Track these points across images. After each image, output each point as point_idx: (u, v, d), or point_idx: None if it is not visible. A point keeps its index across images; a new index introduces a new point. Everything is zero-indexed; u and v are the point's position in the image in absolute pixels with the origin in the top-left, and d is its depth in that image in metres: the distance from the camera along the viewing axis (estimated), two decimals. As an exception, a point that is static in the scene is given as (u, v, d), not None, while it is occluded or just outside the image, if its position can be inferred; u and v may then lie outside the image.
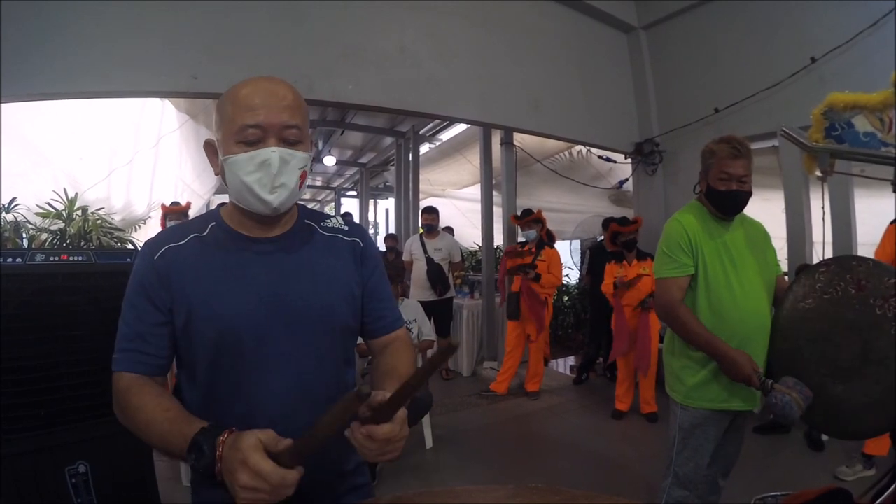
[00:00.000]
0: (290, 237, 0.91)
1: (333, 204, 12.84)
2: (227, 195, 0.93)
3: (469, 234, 8.09)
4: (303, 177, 0.86)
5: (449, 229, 6.46)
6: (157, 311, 0.84)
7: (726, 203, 1.71)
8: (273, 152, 0.81)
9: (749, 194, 1.70)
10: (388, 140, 7.65)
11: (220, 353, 0.84)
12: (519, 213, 4.67)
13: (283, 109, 0.83)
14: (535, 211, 4.56)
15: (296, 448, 0.67)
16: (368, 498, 0.99)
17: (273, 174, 0.82)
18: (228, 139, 0.83)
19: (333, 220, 0.99)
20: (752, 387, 1.57)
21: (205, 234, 0.89)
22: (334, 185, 12.25)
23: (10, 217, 3.76)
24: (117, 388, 0.83)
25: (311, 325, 0.87)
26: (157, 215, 4.36)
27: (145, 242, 0.90)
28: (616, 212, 6.04)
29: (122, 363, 0.85)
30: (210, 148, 0.90)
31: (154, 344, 0.84)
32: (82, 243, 3.84)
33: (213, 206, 1.03)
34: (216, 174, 0.89)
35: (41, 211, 3.95)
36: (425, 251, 4.84)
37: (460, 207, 8.59)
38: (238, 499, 0.65)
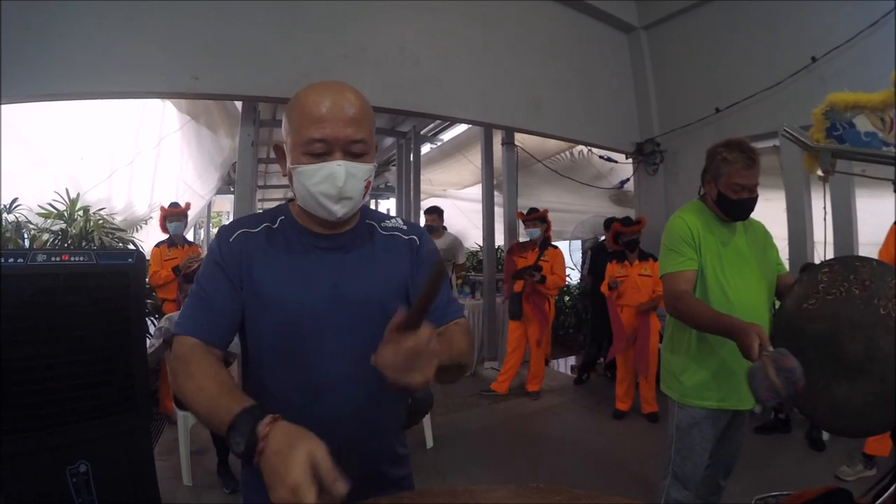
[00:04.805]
0: (352, 236, 0.96)
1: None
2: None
3: (470, 234, 8.08)
4: (367, 186, 0.90)
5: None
6: (228, 282, 0.89)
7: (738, 211, 1.71)
8: (339, 166, 0.84)
9: (757, 199, 1.71)
10: (389, 140, 7.65)
11: (283, 340, 0.88)
12: (525, 212, 4.68)
13: (350, 123, 0.84)
14: (542, 210, 4.56)
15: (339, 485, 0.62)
16: (410, 490, 1.01)
17: (339, 187, 0.85)
18: (296, 149, 0.86)
19: (393, 220, 1.03)
20: (751, 358, 1.37)
21: (275, 226, 0.94)
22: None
23: (11, 217, 3.76)
24: (176, 352, 0.85)
25: (369, 319, 0.89)
26: (158, 216, 4.36)
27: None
28: (617, 212, 6.04)
29: (186, 326, 0.87)
30: (279, 150, 0.93)
31: (221, 313, 0.88)
32: (84, 244, 3.84)
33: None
34: (283, 175, 0.92)
35: (42, 211, 3.94)
36: (428, 251, 4.83)
37: (461, 208, 8.59)
38: (273, 500, 0.62)
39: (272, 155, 7.52)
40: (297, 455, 0.61)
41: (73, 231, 3.90)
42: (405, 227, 1.02)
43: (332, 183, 0.84)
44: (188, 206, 4.24)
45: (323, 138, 0.83)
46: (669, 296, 1.69)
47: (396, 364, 0.68)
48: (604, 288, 4.01)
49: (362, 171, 0.87)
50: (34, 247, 3.73)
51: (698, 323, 1.63)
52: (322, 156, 0.84)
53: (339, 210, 0.87)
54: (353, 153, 0.86)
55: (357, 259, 0.94)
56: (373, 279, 0.93)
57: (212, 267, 0.90)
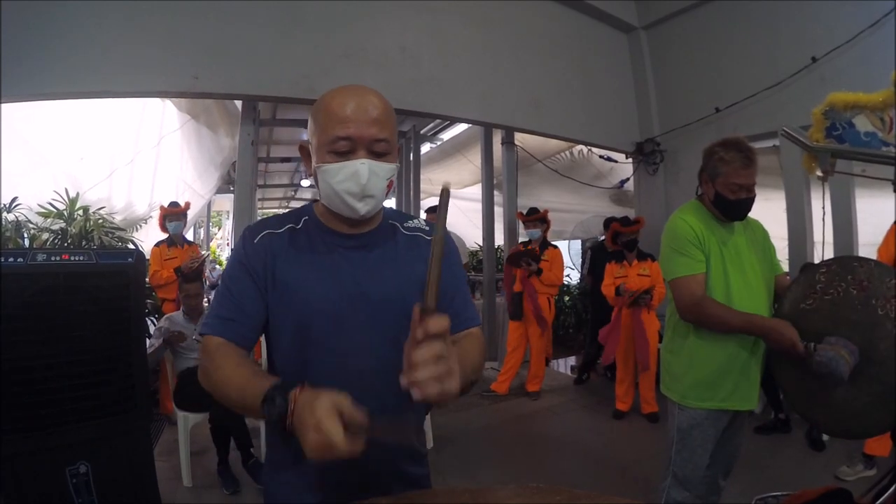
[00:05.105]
0: (375, 235, 0.98)
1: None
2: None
3: (470, 234, 8.09)
4: (389, 185, 0.92)
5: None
6: (253, 284, 0.92)
7: (736, 211, 1.70)
8: (362, 165, 0.87)
9: (755, 198, 1.70)
10: (389, 140, 7.65)
11: (305, 338, 0.91)
12: (525, 212, 4.68)
13: (373, 123, 0.87)
14: (542, 210, 4.56)
15: (367, 429, 0.70)
16: (426, 488, 1.01)
17: (362, 185, 0.87)
18: (321, 148, 0.89)
19: (416, 220, 1.06)
20: (797, 355, 1.51)
21: (299, 226, 0.97)
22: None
23: (11, 217, 3.75)
24: (205, 349, 0.90)
25: (390, 317, 0.92)
26: (157, 215, 4.36)
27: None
28: (617, 211, 6.04)
29: (214, 327, 0.90)
30: (304, 150, 0.97)
31: (246, 314, 0.91)
32: (83, 243, 3.83)
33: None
34: (308, 175, 0.96)
35: (42, 211, 3.93)
36: (428, 252, 4.81)
37: (461, 207, 8.59)
38: (306, 452, 0.69)
39: (272, 154, 7.53)
40: (321, 401, 0.69)
41: (73, 230, 3.89)
42: (427, 229, 1.04)
43: (356, 181, 0.87)
44: (188, 205, 4.24)
45: (348, 137, 0.86)
46: (687, 301, 1.66)
47: (426, 371, 0.69)
48: (608, 289, 4.00)
49: (385, 169, 0.90)
50: (34, 246, 3.72)
51: (727, 326, 1.62)
52: (346, 154, 0.87)
53: (362, 208, 0.90)
54: (376, 152, 0.88)
55: (380, 258, 0.96)
56: (395, 278, 0.95)
57: (237, 268, 0.93)
